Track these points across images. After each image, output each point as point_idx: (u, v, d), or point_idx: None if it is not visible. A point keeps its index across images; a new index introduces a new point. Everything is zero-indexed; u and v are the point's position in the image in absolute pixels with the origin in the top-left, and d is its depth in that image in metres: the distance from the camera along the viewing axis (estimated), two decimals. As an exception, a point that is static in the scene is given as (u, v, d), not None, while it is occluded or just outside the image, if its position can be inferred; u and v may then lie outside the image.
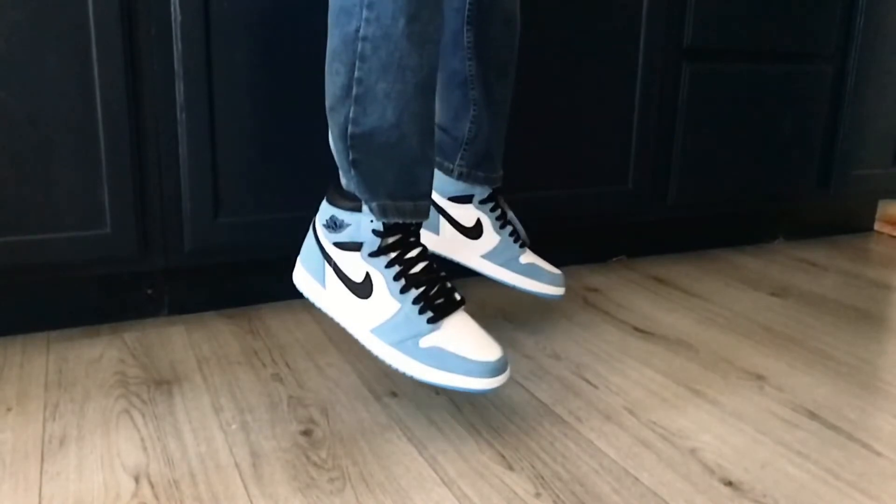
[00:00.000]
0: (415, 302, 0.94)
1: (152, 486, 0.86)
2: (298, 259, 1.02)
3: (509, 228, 1.27)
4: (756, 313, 1.39)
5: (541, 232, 1.52)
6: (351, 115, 0.92)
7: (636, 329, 1.32)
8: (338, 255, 0.98)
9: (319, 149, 1.12)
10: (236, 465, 0.91)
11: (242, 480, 0.88)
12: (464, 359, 0.93)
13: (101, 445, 0.93)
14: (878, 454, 0.96)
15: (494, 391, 0.93)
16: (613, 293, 1.47)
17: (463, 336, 0.95)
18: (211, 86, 1.20)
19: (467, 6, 1.15)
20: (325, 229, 0.99)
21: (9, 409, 1.01)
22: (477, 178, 1.24)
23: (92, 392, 1.06)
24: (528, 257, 1.27)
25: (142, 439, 0.95)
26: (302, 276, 1.01)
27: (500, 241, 1.26)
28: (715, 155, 1.65)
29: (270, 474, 0.89)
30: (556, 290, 1.27)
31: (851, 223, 1.93)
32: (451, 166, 1.24)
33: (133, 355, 1.17)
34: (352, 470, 0.90)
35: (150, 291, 1.30)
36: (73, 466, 0.89)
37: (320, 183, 1.11)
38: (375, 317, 0.95)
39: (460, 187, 1.25)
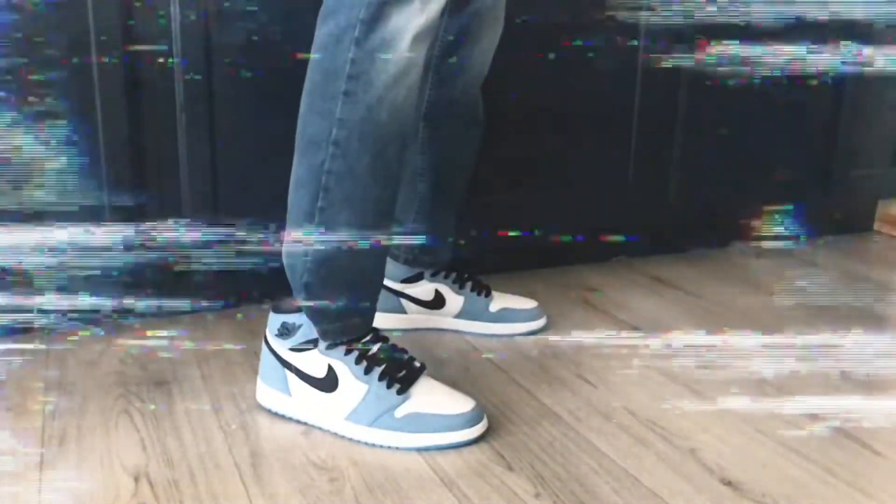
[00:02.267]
0: (381, 378, 0.96)
1: (152, 486, 0.86)
2: (259, 379, 1.04)
3: (470, 284, 1.28)
4: (756, 313, 1.39)
5: (541, 232, 1.52)
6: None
7: (636, 329, 1.32)
8: (296, 358, 0.99)
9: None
10: (236, 465, 0.91)
11: (242, 480, 0.88)
12: (442, 416, 0.95)
13: (101, 445, 0.94)
14: (878, 454, 0.96)
15: (477, 441, 0.96)
16: (613, 293, 1.47)
17: (434, 396, 0.97)
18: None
19: (424, 104, 1.15)
20: (278, 339, 1.01)
21: (9, 409, 1.01)
22: (423, 263, 1.26)
23: (92, 392, 1.06)
24: (497, 303, 1.27)
25: (141, 439, 0.95)
26: (265, 393, 1.02)
27: (465, 301, 1.27)
28: (715, 155, 1.65)
29: (270, 474, 0.89)
30: (534, 325, 1.28)
31: (851, 223, 1.92)
32: (398, 252, 1.25)
33: (132, 355, 1.17)
34: (351, 471, 0.90)
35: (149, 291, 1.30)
36: (73, 466, 0.89)
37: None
38: (347, 404, 0.97)
39: (409, 270, 1.26)
